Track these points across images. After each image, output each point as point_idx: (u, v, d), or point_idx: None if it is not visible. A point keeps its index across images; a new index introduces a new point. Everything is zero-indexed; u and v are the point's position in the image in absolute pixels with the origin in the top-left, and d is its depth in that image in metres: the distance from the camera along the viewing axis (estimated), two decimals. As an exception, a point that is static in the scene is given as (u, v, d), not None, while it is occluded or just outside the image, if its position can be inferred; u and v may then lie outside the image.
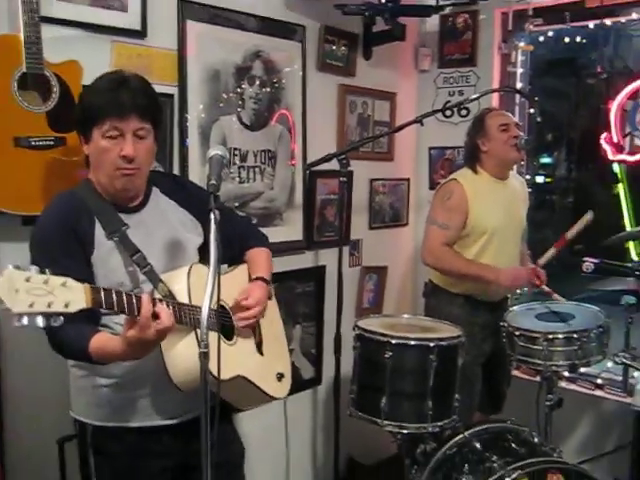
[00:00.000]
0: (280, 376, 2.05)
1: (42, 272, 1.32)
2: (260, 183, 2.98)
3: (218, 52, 2.77)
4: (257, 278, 2.04)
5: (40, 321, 1.30)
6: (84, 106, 1.76)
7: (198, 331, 1.63)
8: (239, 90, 2.86)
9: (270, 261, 2.18)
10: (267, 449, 2.89)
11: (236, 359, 1.84)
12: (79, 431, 1.91)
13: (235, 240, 2.08)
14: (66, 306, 1.34)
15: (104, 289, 1.48)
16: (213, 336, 1.69)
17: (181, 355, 1.69)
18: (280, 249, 2.82)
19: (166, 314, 1.55)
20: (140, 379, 1.81)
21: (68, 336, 1.64)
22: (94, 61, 2.28)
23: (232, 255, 2.08)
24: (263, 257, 2.16)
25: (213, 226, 1.55)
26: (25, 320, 1.28)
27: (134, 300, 1.53)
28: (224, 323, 1.84)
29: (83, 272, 1.67)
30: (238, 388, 1.83)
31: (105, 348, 1.62)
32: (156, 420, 1.85)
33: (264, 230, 2.34)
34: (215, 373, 1.55)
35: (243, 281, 2.05)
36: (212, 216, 1.56)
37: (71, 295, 1.35)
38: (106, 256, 1.77)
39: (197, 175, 2.69)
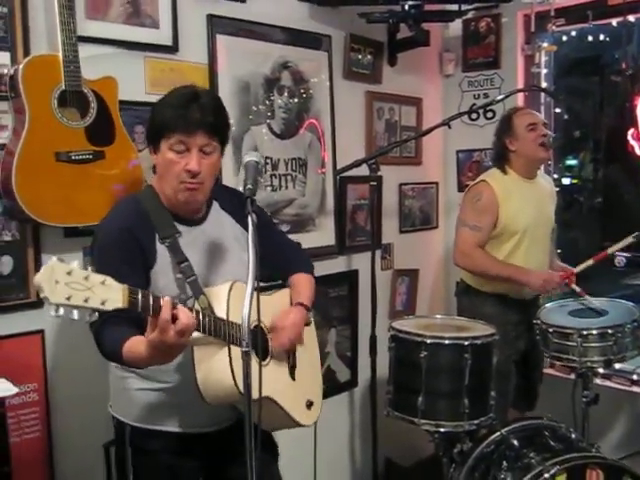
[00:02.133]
0: (310, 404, 2.05)
1: (84, 269, 1.35)
2: (292, 190, 3.04)
3: (247, 64, 2.84)
4: (297, 303, 2.06)
5: (75, 314, 1.33)
6: (154, 118, 1.84)
7: (232, 348, 1.68)
8: (269, 101, 2.93)
9: (313, 288, 2.18)
10: (303, 452, 2.93)
11: (268, 380, 1.79)
12: (117, 428, 1.97)
13: (280, 261, 2.11)
14: (102, 304, 1.36)
15: (142, 291, 1.50)
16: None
17: (212, 376, 1.71)
18: (313, 254, 2.86)
19: (185, 314, 1.53)
20: (184, 388, 1.83)
21: (107, 338, 1.70)
22: (128, 76, 2.38)
23: (272, 274, 2.08)
24: (306, 283, 2.17)
25: (251, 229, 1.58)
26: (61, 311, 1.31)
27: (160, 303, 1.53)
28: (259, 343, 1.82)
29: (140, 279, 1.73)
30: (267, 409, 1.79)
31: (136, 351, 1.64)
32: (194, 428, 1.89)
33: (297, 237, 2.39)
34: (244, 391, 1.57)
35: (284, 305, 2.07)
36: (249, 219, 1.60)
37: (109, 294, 1.38)
38: (162, 264, 1.81)
39: (231, 184, 2.74)
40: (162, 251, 1.82)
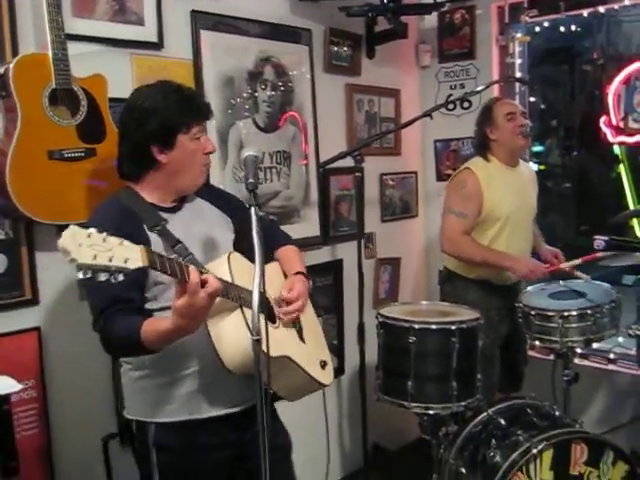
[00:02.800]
0: (324, 364, 2.11)
1: (100, 232, 1.39)
2: (277, 183, 3.09)
3: (231, 59, 2.88)
4: (297, 273, 2.13)
5: (102, 276, 1.36)
6: (165, 116, 1.86)
7: (245, 310, 1.73)
8: (253, 95, 2.98)
9: (302, 257, 2.27)
10: (293, 440, 3.00)
11: (282, 342, 1.91)
12: (138, 431, 1.95)
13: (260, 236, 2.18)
14: (125, 262, 1.39)
15: (158, 253, 1.54)
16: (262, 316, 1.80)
17: (231, 338, 1.76)
18: (299, 245, 2.91)
19: (213, 279, 1.62)
20: (204, 371, 1.89)
21: (120, 327, 1.73)
22: (116, 74, 2.39)
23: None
24: (296, 254, 2.26)
25: (254, 220, 1.64)
26: (89, 273, 1.34)
27: (183, 267, 1.58)
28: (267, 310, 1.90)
29: (141, 275, 1.76)
30: (286, 372, 1.89)
31: (157, 328, 1.68)
32: (220, 409, 1.92)
33: (283, 228, 2.45)
34: (262, 348, 1.62)
35: (277, 276, 2.14)
36: (253, 211, 1.66)
37: (129, 253, 1.42)
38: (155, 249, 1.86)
39: (217, 177, 2.81)
40: (154, 238, 1.86)
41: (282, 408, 2.09)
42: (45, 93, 2.13)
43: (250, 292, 1.74)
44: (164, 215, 1.92)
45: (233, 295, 1.76)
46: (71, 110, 2.21)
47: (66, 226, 2.20)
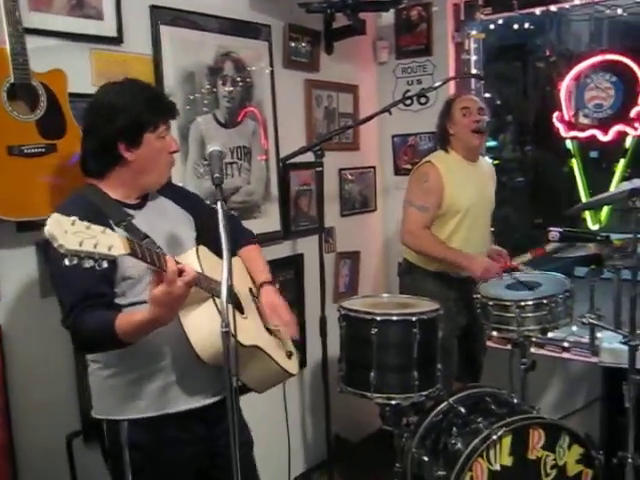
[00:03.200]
0: (289, 354, 2.17)
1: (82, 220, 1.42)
2: (238, 178, 3.10)
3: (191, 55, 2.87)
4: (265, 283, 2.21)
5: (88, 263, 1.39)
6: (134, 114, 1.86)
7: (217, 300, 1.76)
8: (213, 90, 2.98)
9: (264, 258, 2.31)
10: (256, 434, 3.01)
11: (251, 332, 1.96)
12: (109, 430, 1.94)
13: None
14: (109, 249, 1.42)
15: (137, 242, 1.59)
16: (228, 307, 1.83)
17: (203, 328, 1.79)
18: (260, 240, 2.94)
19: (190, 268, 1.66)
20: (175, 365, 1.90)
21: (92, 321, 1.73)
22: (75, 69, 2.36)
23: (216, 247, 2.14)
24: (258, 256, 2.30)
25: (221, 214, 1.67)
26: (75, 260, 1.36)
27: (160, 257, 1.63)
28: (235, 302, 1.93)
29: (112, 270, 1.78)
30: (256, 361, 1.93)
31: (131, 320, 1.69)
32: (190, 403, 1.94)
33: (244, 223, 2.47)
34: (242, 342, 1.72)
35: (241, 270, 2.18)
36: (219, 205, 1.69)
37: (112, 240, 1.45)
38: None
39: (178, 173, 2.80)
40: (121, 234, 1.82)
41: (243, 403, 2.10)
42: (3, 88, 2.10)
43: (219, 283, 1.76)
44: (129, 211, 1.92)
45: (205, 286, 1.79)
46: (30, 105, 2.18)
47: (27, 222, 2.23)
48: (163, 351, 1.89)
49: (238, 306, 1.98)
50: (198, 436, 1.99)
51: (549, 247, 3.03)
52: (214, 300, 1.80)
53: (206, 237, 2.09)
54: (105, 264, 1.43)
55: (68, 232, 1.35)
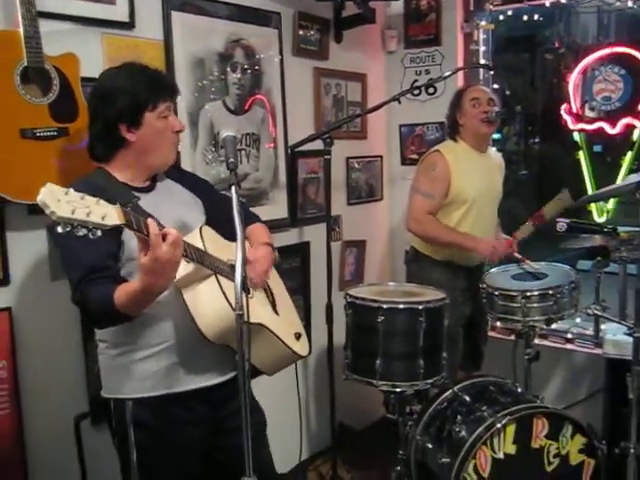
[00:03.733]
0: (298, 335, 2.17)
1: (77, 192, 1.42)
2: (247, 165, 3.11)
3: (201, 41, 2.88)
4: (263, 243, 2.21)
5: (81, 231, 1.39)
6: (132, 94, 1.89)
7: (220, 278, 1.81)
8: (223, 77, 2.98)
9: (269, 233, 2.32)
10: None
11: (256, 311, 1.93)
12: (116, 409, 1.98)
13: (230, 218, 2.21)
14: (103, 218, 1.43)
15: (132, 212, 1.58)
16: (232, 285, 1.79)
17: (208, 306, 1.81)
18: (268, 227, 2.95)
19: (172, 229, 1.64)
20: (181, 344, 1.93)
21: (95, 295, 1.75)
22: (86, 53, 2.37)
23: (225, 231, 2.13)
24: (263, 230, 2.32)
25: (235, 198, 1.68)
26: (68, 227, 1.37)
27: (141, 223, 1.60)
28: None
29: (110, 244, 1.81)
30: (263, 342, 1.94)
31: (127, 290, 1.71)
32: (196, 383, 1.97)
33: (252, 210, 2.49)
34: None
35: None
36: (233, 190, 1.70)
37: (106, 210, 1.45)
38: None
39: (187, 159, 2.82)
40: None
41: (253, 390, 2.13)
42: (17, 71, 2.11)
43: (222, 262, 1.86)
44: (136, 194, 1.95)
45: (207, 263, 1.81)
46: (43, 89, 2.19)
47: (39, 206, 2.24)
48: (169, 331, 1.92)
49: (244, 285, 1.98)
50: (202, 417, 2.02)
51: (546, 211, 3.03)
52: (217, 278, 1.82)
53: (215, 222, 2.11)
54: (99, 233, 1.42)
55: (61, 201, 1.36)
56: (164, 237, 1.61)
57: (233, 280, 1.76)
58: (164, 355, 1.94)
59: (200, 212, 2.15)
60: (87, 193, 1.81)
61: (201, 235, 1.89)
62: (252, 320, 1.81)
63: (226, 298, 1.80)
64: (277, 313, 2.14)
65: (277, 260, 2.24)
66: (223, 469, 2.13)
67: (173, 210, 2.03)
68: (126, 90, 1.90)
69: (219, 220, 2.09)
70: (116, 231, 1.79)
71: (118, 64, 2.03)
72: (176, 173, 2.17)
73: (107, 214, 1.44)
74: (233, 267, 1.86)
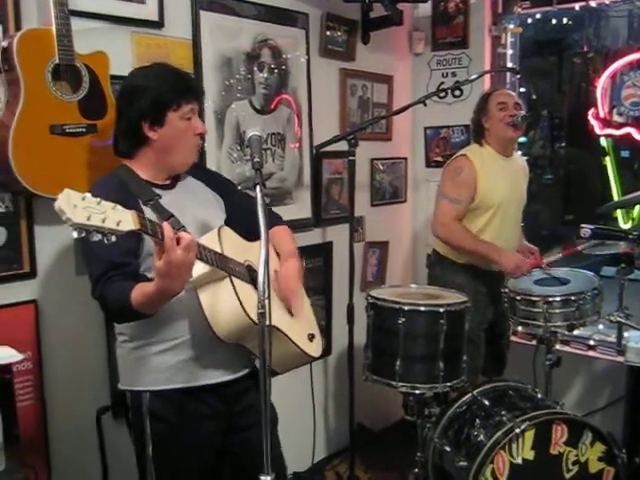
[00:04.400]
0: (311, 336, 2.18)
1: (94, 197, 1.45)
2: (272, 164, 3.13)
3: (229, 40, 2.90)
4: (289, 256, 2.20)
5: (96, 236, 1.42)
6: (157, 93, 1.93)
7: (235, 280, 1.83)
8: (249, 76, 3.00)
9: (293, 237, 2.33)
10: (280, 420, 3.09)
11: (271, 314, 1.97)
12: (133, 401, 2.01)
13: (252, 217, 2.22)
14: (118, 224, 1.45)
15: (149, 218, 1.61)
16: (247, 286, 1.88)
17: (221, 308, 1.83)
18: (291, 226, 2.97)
19: (185, 234, 1.66)
20: (196, 340, 1.95)
21: (114, 293, 1.80)
22: (116, 51, 2.40)
23: (247, 230, 2.14)
24: (286, 234, 2.31)
25: (259, 198, 1.69)
26: (83, 233, 1.40)
27: (157, 227, 1.63)
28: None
29: (128, 242, 1.81)
30: (275, 342, 1.92)
31: (143, 291, 1.74)
32: (211, 378, 2.00)
33: (276, 209, 2.50)
34: (252, 316, 1.75)
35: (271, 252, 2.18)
36: (258, 189, 1.71)
37: (121, 216, 1.48)
38: None
39: (213, 157, 2.85)
40: (148, 212, 1.90)
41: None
42: (48, 68, 2.14)
43: (239, 263, 1.89)
44: (158, 191, 1.98)
45: (222, 265, 1.83)
46: (73, 86, 2.22)
47: (66, 200, 2.28)
48: (185, 327, 1.95)
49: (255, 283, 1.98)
50: (217, 411, 2.04)
51: (581, 246, 3.01)
52: (231, 280, 1.84)
53: (235, 220, 2.14)
54: (114, 238, 1.46)
55: (77, 207, 1.38)
56: (178, 241, 1.64)
57: (248, 282, 1.80)
58: (180, 349, 1.97)
59: (221, 210, 2.18)
60: (110, 188, 1.90)
61: (219, 236, 1.91)
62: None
63: (240, 303, 1.81)
64: (291, 315, 2.14)
65: (303, 267, 2.28)
66: (235, 465, 2.15)
67: (194, 208, 2.05)
68: (151, 89, 1.93)
69: (239, 218, 2.14)
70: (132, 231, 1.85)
71: (147, 63, 2.08)
72: (198, 171, 2.20)
73: (122, 220, 1.47)
74: (249, 269, 1.95)
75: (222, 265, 1.84)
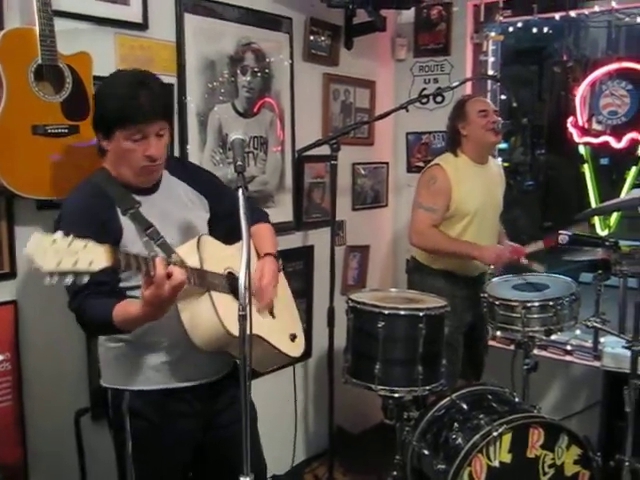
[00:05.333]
0: (293, 337, 2.20)
1: (66, 235, 1.45)
2: (253, 168, 3.14)
3: (213, 43, 2.91)
4: (266, 254, 2.19)
5: (68, 279, 1.43)
6: (105, 109, 1.87)
7: (213, 293, 1.83)
8: (233, 79, 3.01)
9: (274, 236, 2.33)
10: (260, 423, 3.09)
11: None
12: (113, 399, 2.02)
13: (235, 214, 2.22)
14: (90, 264, 1.46)
15: (122, 252, 1.62)
16: (226, 297, 1.88)
17: (200, 320, 1.85)
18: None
19: (178, 271, 1.68)
20: (175, 344, 1.96)
21: (94, 309, 1.81)
22: (99, 52, 2.40)
23: (230, 227, 2.11)
24: (268, 232, 2.31)
25: (242, 202, 1.68)
26: (55, 278, 1.41)
27: (150, 261, 1.66)
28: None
29: None
30: (256, 347, 1.96)
31: (126, 312, 1.77)
32: (189, 381, 2.02)
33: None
34: (232, 332, 1.76)
35: (253, 253, 2.18)
36: (240, 192, 1.71)
37: (93, 255, 1.48)
38: (129, 234, 1.92)
39: (196, 160, 2.85)
40: (127, 223, 1.92)
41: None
42: (31, 68, 2.14)
43: (218, 275, 1.89)
44: (137, 197, 1.97)
45: (199, 282, 1.83)
46: (56, 86, 2.22)
47: (47, 201, 2.28)
48: (165, 331, 1.95)
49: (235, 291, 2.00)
50: (196, 411, 2.06)
51: (561, 237, 3.03)
52: (210, 295, 1.85)
53: (220, 219, 2.15)
54: (86, 278, 1.47)
55: (47, 252, 1.39)
56: (169, 276, 1.66)
57: (228, 292, 1.84)
58: (160, 351, 1.99)
59: (204, 210, 2.17)
60: (87, 198, 1.91)
61: (198, 246, 1.91)
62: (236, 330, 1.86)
63: (219, 319, 1.82)
64: (273, 316, 2.15)
65: (281, 268, 2.24)
66: (216, 461, 2.17)
67: (176, 211, 2.05)
68: (105, 102, 1.88)
69: (223, 217, 2.13)
70: (113, 239, 1.83)
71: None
72: (181, 170, 2.18)
73: (94, 259, 1.47)
74: (230, 276, 1.95)
75: (201, 282, 1.84)
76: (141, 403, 1.98)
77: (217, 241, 2.05)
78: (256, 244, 2.24)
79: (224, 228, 2.10)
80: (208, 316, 1.83)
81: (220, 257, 1.99)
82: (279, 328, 2.15)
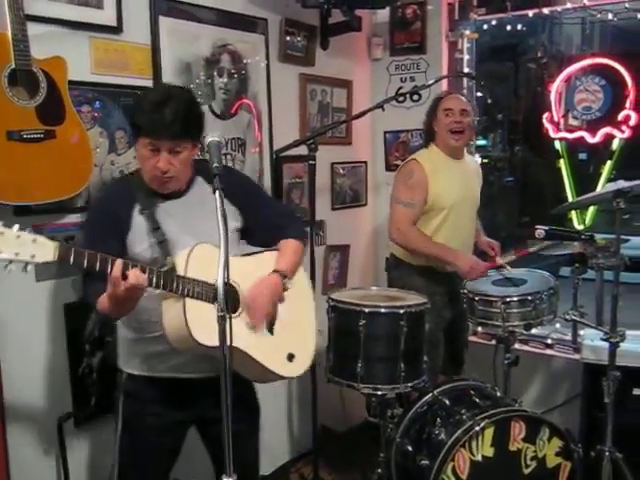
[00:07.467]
0: (291, 356, 2.16)
1: (21, 229, 1.59)
2: (232, 169, 3.13)
3: (188, 46, 2.90)
4: (273, 271, 2.17)
5: (13, 267, 1.59)
6: (132, 119, 2.05)
7: (189, 300, 1.88)
8: (209, 81, 3.01)
9: (296, 255, 2.29)
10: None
11: (238, 335, 1.87)
12: (117, 380, 2.20)
13: (270, 227, 2.27)
14: (32, 257, 1.60)
15: (76, 250, 1.71)
16: (205, 306, 1.89)
17: (171, 321, 1.91)
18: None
19: (134, 275, 1.77)
20: (162, 337, 1.97)
21: (87, 291, 2.00)
22: (74, 57, 2.40)
23: (264, 240, 2.27)
24: (289, 250, 2.27)
25: (218, 204, 1.68)
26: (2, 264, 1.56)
27: (109, 262, 1.76)
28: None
29: (113, 246, 1.92)
30: (244, 360, 1.99)
31: (102, 303, 1.93)
32: (182, 373, 2.10)
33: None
34: (195, 336, 1.85)
35: (268, 266, 2.18)
36: (217, 195, 1.70)
37: (39, 249, 1.61)
38: (138, 232, 2.02)
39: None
40: (139, 220, 2.03)
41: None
42: (4, 73, 2.13)
43: (198, 283, 1.91)
44: (159, 200, 2.07)
45: (174, 287, 1.87)
46: (30, 91, 2.22)
47: (25, 207, 2.27)
48: (156, 324, 1.98)
49: (234, 303, 2.03)
50: (194, 398, 2.13)
51: (532, 248, 3.08)
52: (184, 303, 1.88)
53: (254, 231, 2.26)
54: (29, 268, 1.61)
55: None
56: (125, 277, 1.76)
57: (210, 301, 1.87)
58: (151, 343, 2.07)
59: (234, 219, 2.15)
60: (114, 194, 2.12)
61: (188, 255, 1.93)
62: (211, 342, 1.82)
63: (186, 323, 1.86)
64: (272, 332, 2.13)
65: (287, 287, 2.20)
66: (213, 457, 2.31)
67: (198, 219, 2.05)
68: (134, 112, 2.05)
69: (257, 230, 2.25)
70: (120, 233, 2.01)
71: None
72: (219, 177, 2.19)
73: (37, 253, 1.61)
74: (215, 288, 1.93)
75: (172, 288, 1.87)
76: (133, 386, 2.14)
77: (214, 248, 2.00)
78: (277, 258, 2.24)
79: (261, 239, 2.24)
80: (177, 320, 1.89)
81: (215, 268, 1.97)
82: (274, 345, 2.12)
